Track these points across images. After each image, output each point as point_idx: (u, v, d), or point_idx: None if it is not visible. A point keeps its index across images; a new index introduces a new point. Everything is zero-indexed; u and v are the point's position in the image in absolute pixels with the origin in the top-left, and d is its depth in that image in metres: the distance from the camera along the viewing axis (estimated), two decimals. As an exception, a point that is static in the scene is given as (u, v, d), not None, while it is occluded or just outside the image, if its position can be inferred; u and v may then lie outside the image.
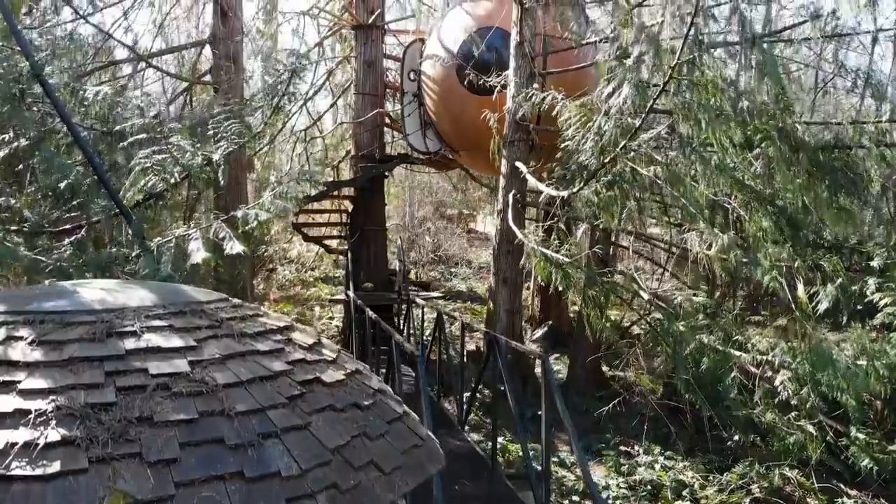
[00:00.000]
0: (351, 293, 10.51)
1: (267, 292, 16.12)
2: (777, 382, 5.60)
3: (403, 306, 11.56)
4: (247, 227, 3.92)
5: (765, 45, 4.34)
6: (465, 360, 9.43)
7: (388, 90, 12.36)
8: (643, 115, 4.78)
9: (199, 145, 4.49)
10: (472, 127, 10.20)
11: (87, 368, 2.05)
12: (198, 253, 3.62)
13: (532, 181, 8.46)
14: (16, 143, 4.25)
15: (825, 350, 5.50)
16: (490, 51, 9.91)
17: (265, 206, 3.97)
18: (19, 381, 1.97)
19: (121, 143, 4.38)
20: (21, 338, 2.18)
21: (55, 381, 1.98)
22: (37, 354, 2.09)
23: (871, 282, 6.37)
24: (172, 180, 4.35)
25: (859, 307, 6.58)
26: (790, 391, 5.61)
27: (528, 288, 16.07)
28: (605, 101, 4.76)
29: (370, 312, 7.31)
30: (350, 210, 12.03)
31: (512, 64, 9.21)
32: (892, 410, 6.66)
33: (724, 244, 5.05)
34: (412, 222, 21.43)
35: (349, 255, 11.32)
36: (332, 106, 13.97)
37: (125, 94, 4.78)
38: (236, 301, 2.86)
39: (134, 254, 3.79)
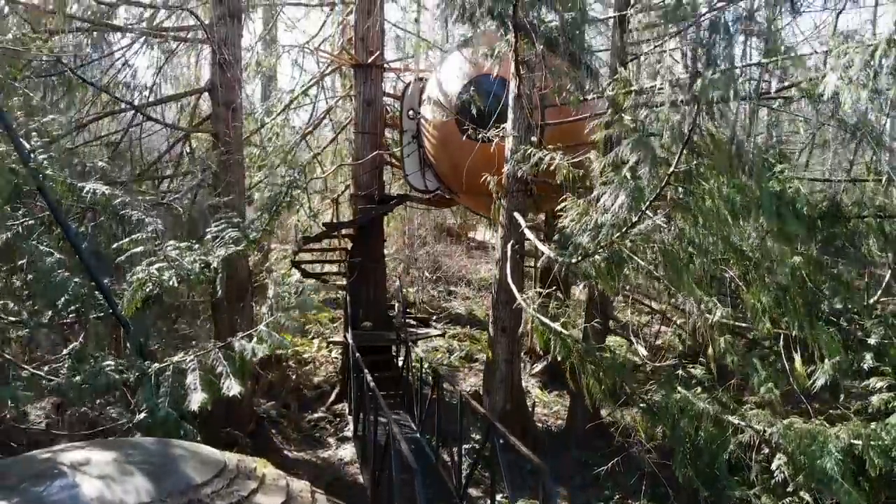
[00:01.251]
0: (349, 336, 10.54)
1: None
2: (773, 467, 5.62)
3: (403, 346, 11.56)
4: (244, 358, 3.94)
5: (762, 184, 4.36)
6: (463, 400, 9.44)
7: (387, 127, 12.37)
8: (639, 214, 4.80)
9: (197, 247, 4.52)
10: (472, 172, 10.21)
11: None
12: (196, 395, 3.65)
13: (530, 236, 8.47)
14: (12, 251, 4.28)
15: (819, 434, 5.53)
16: (489, 96, 9.92)
17: (262, 338, 3.99)
18: None
19: (118, 259, 4.42)
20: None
21: None
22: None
23: (868, 357, 6.39)
24: (169, 284, 4.37)
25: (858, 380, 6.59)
26: (786, 474, 5.64)
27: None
28: (601, 206, 4.78)
29: (369, 379, 7.30)
30: (349, 248, 12.04)
31: (510, 116, 9.22)
32: (885, 485, 6.67)
33: (720, 347, 5.06)
34: (412, 244, 21.40)
35: (348, 297, 11.34)
36: (332, 141, 13.99)
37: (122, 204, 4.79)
38: (232, 467, 2.88)
39: (132, 378, 3.83)
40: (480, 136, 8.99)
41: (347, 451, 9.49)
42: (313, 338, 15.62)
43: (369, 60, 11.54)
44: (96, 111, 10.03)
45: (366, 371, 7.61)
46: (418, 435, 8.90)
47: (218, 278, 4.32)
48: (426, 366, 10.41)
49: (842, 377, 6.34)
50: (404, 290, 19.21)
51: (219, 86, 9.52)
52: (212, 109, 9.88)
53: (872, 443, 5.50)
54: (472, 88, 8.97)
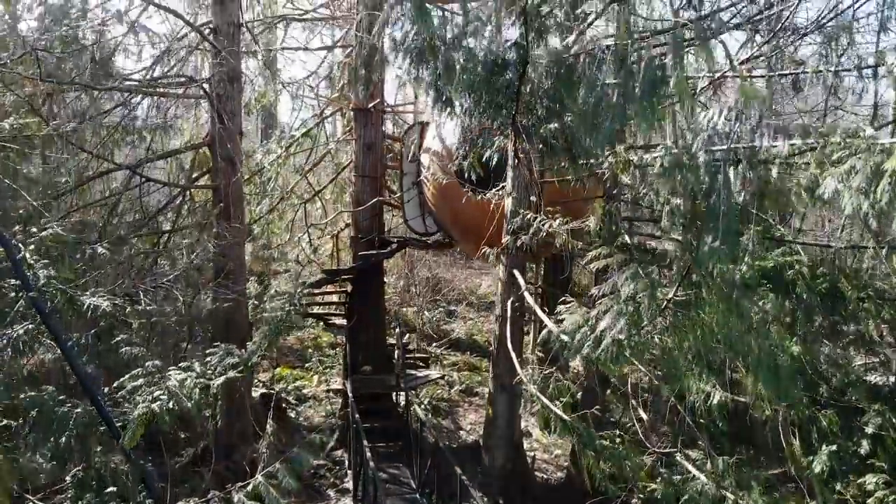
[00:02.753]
0: (349, 385, 10.58)
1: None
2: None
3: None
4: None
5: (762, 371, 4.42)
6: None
7: (388, 168, 12.35)
8: (637, 331, 4.82)
9: (197, 368, 4.54)
10: (472, 223, 10.23)
11: None
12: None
13: (530, 301, 8.48)
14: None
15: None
16: (490, 147, 9.89)
17: (259, 493, 4.02)
18: None
19: (120, 392, 4.45)
20: None
21: None
22: None
23: (865, 443, 6.43)
24: (169, 408, 4.39)
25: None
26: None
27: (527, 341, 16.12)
28: (600, 328, 4.80)
29: (369, 456, 7.33)
30: (349, 290, 12.05)
31: (509, 174, 9.23)
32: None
33: (718, 466, 5.09)
34: (412, 263, 21.40)
35: (347, 343, 11.36)
36: (332, 181, 13.99)
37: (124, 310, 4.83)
38: None
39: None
40: (480, 196, 9.01)
41: (347, 507, 9.54)
42: (314, 370, 15.57)
43: (370, 105, 11.52)
44: (95, 166, 10.00)
45: (367, 448, 7.62)
46: (417, 496, 8.93)
47: (217, 405, 4.36)
48: (423, 412, 10.45)
49: (839, 462, 6.39)
50: (404, 311, 19.25)
51: (218, 141, 9.52)
52: (212, 163, 9.89)
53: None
54: (471, 155, 8.95)
